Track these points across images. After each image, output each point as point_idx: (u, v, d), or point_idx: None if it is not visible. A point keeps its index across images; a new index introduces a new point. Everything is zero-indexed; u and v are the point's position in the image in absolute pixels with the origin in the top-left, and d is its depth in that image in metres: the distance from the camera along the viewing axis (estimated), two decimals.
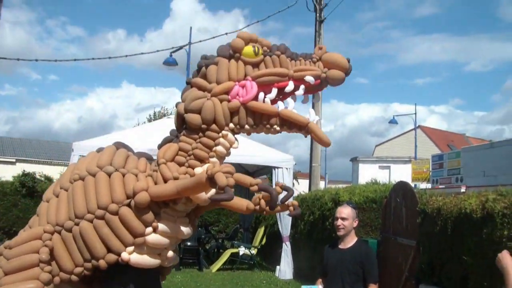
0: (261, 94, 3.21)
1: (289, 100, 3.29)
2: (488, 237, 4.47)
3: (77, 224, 3.13)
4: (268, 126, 3.32)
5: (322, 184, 22.56)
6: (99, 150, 3.58)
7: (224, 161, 3.40)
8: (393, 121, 40.29)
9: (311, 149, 16.71)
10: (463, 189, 14.97)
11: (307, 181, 18.06)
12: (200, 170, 3.17)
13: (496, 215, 4.37)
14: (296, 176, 36.04)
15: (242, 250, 13.54)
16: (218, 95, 3.19)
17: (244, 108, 3.22)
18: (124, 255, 3.14)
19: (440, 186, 21.33)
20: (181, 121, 3.35)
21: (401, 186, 6.64)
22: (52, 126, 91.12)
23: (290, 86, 3.20)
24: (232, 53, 3.24)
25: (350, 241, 4.80)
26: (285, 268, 11.86)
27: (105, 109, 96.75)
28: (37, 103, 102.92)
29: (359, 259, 4.69)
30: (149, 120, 36.83)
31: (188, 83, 3.40)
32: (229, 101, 3.23)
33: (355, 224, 4.82)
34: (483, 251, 4.52)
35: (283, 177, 11.49)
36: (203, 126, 3.21)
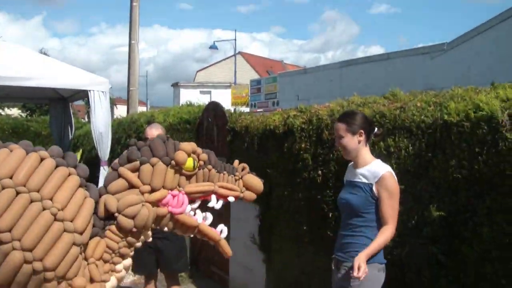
0: (188, 207, 3.18)
1: (209, 215, 3.26)
2: (288, 151, 4.80)
3: None
4: (184, 232, 3.33)
5: (143, 109, 22.38)
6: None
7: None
8: (213, 47, 40.69)
9: (129, 74, 16.43)
10: None
11: (125, 106, 17.84)
12: (121, 266, 3.09)
13: (296, 130, 4.70)
14: (115, 102, 35.33)
15: None
16: (153, 202, 3.08)
17: (170, 216, 3.16)
18: None
19: (258, 110, 22.23)
20: (106, 213, 3.05)
21: (213, 107, 6.84)
22: None
23: (213, 201, 3.24)
24: (173, 164, 3.09)
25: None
26: None
27: None
28: None
29: None
30: None
31: (114, 169, 3.16)
32: (158, 206, 3.13)
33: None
34: (285, 163, 4.88)
35: (100, 101, 11.19)
36: (134, 229, 3.06)
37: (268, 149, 5.21)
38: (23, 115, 29.88)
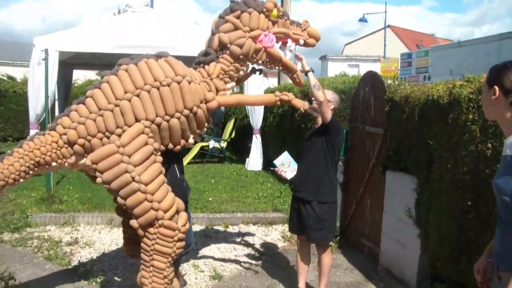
0: (276, 44, 4.51)
1: (287, 52, 4.67)
2: (453, 122, 4.56)
3: (166, 121, 3.88)
4: (273, 65, 4.74)
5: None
6: (147, 58, 4.12)
7: None
8: (362, 19, 39.92)
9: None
10: None
11: (276, 79, 18.03)
12: (230, 85, 4.42)
13: (463, 100, 4.44)
14: (266, 73, 35.95)
15: (212, 144, 13.66)
16: (252, 38, 4.36)
17: (264, 50, 4.47)
18: (190, 140, 4.17)
19: (402, 82, 21.44)
20: (221, 46, 4.37)
21: (370, 76, 6.67)
22: (14, 27, 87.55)
23: (289, 43, 4.64)
24: (265, 10, 4.41)
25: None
26: (255, 160, 12.05)
27: (70, 9, 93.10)
28: None
29: (322, 127, 4.88)
30: (114, 16, 35.72)
31: (222, 17, 4.44)
32: (255, 43, 4.40)
33: (331, 107, 4.89)
34: (449, 135, 4.63)
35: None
36: (241, 56, 4.35)
37: (430, 120, 4.98)
38: None
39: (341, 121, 7.41)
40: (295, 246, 6.86)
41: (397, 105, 5.68)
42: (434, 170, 4.91)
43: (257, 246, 6.85)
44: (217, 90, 4.27)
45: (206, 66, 4.33)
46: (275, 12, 4.42)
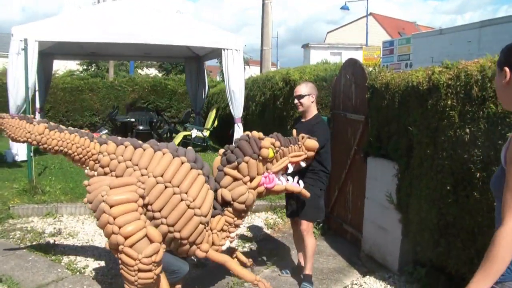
0: (276, 179, 4.61)
1: (290, 178, 4.78)
2: (432, 108, 4.61)
3: None
4: (277, 194, 4.94)
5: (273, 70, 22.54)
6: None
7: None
8: (344, 7, 39.91)
9: (262, 33, 16.56)
10: None
11: (258, 67, 18.04)
12: (234, 234, 4.58)
13: (441, 86, 4.48)
14: (248, 62, 35.87)
15: (194, 133, 13.65)
16: (253, 188, 4.46)
17: (266, 189, 4.57)
18: None
19: (383, 69, 21.50)
20: (223, 200, 4.45)
21: (351, 64, 6.71)
22: None
23: (290, 169, 4.75)
24: (261, 158, 4.44)
25: (310, 115, 5.27)
26: None
27: None
28: None
29: (311, 128, 5.10)
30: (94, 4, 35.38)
31: (220, 170, 4.52)
32: (255, 188, 4.49)
33: (312, 99, 5.23)
34: (428, 121, 4.68)
35: (233, 59, 11.40)
36: (245, 209, 4.49)
37: (410, 106, 5.03)
38: (160, 75, 31.12)
39: (322, 109, 7.45)
40: (279, 233, 6.93)
41: (378, 92, 5.72)
42: (414, 156, 4.97)
43: (241, 234, 6.88)
44: (214, 245, 4.41)
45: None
46: (271, 154, 4.44)
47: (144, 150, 4.16)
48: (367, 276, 5.45)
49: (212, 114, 14.09)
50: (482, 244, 4.06)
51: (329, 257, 5.93)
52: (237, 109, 11.59)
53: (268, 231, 7.11)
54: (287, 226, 7.20)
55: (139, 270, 3.73)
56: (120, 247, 3.69)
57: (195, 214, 4.02)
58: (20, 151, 10.94)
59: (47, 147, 4.71)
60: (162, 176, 3.97)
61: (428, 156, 4.69)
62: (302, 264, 5.53)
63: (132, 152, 4.17)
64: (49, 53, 13.87)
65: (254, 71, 29.16)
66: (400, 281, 5.20)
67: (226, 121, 13.37)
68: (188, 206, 3.98)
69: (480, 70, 4.12)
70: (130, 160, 4.12)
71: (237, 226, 4.55)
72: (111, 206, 3.70)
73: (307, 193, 4.78)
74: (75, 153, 4.57)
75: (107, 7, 12.40)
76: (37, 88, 13.17)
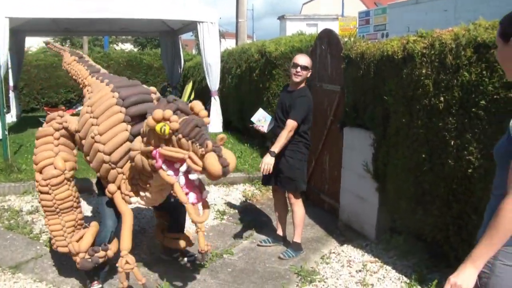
0: (164, 166, 3.60)
1: (181, 177, 3.54)
2: (408, 77, 4.63)
3: None
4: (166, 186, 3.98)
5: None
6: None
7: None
8: None
9: (237, 5, 16.43)
10: None
11: (234, 40, 17.94)
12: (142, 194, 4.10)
13: (416, 55, 4.50)
14: (224, 35, 35.58)
15: None
16: (143, 154, 3.75)
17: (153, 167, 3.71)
18: None
19: (358, 39, 21.50)
20: None
21: (326, 34, 6.69)
22: None
23: (183, 168, 3.48)
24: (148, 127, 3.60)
25: (298, 86, 5.25)
26: (214, 122, 12.03)
27: None
28: None
29: (294, 100, 5.12)
30: None
31: None
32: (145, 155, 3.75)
33: (308, 75, 5.29)
34: (403, 90, 4.71)
35: (209, 32, 11.30)
36: (135, 167, 3.90)
37: (385, 76, 5.04)
38: (135, 50, 30.76)
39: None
40: (257, 204, 6.97)
41: (353, 62, 5.72)
42: (390, 125, 5.00)
43: (219, 206, 6.90)
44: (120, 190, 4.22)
45: None
46: (157, 128, 3.49)
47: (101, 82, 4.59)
48: (345, 245, 5.52)
49: (188, 88, 14.01)
50: (457, 211, 4.14)
51: (307, 227, 5.98)
52: (213, 82, 11.52)
53: (247, 203, 7.14)
54: (265, 198, 7.24)
55: (40, 192, 4.36)
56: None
57: (98, 150, 4.06)
58: None
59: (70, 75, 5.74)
60: (92, 112, 4.19)
61: (403, 125, 4.72)
62: (281, 234, 5.59)
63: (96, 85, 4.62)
64: (21, 30, 13.60)
65: (229, 43, 29.00)
66: (377, 248, 5.28)
67: (202, 94, 13.29)
68: (94, 140, 4.09)
69: (454, 38, 4.13)
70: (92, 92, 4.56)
71: (145, 188, 4.05)
72: (36, 139, 4.53)
73: (191, 210, 3.62)
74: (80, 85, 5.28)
75: None
76: (9, 66, 12.97)
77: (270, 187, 5.84)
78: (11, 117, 13.26)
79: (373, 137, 5.39)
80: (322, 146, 6.71)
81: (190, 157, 3.40)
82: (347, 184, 6.06)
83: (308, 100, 5.20)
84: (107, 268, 4.59)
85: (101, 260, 4.32)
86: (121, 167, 4.12)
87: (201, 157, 3.33)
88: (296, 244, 5.33)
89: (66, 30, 15.93)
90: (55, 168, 4.30)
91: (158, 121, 3.46)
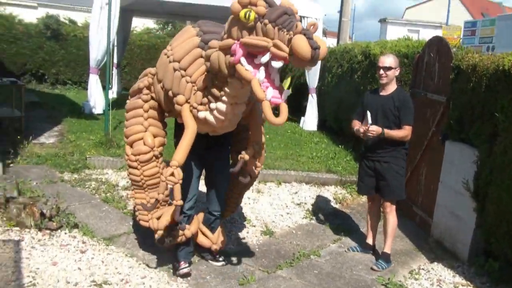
0: (243, 60, 3.34)
1: (262, 71, 3.29)
2: None
3: None
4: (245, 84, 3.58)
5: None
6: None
7: None
8: None
9: (342, 4, 16.28)
10: None
11: (335, 40, 17.79)
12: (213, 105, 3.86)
13: None
14: (326, 32, 35.45)
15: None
16: (221, 49, 3.53)
17: (231, 63, 3.45)
18: None
19: (470, 50, 20.71)
20: None
21: (436, 41, 6.50)
22: None
23: (264, 58, 3.23)
24: (232, 14, 3.36)
25: (391, 89, 5.15)
26: (310, 120, 12.01)
27: None
28: None
29: (397, 103, 5.01)
30: None
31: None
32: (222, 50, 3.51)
33: (397, 73, 5.15)
34: None
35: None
36: (209, 66, 3.70)
37: (498, 91, 4.82)
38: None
39: (401, 86, 7.26)
40: (347, 209, 6.89)
41: (463, 73, 5.53)
42: (498, 143, 4.78)
43: (309, 205, 6.87)
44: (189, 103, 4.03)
45: None
46: (241, 14, 3.22)
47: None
48: (435, 263, 5.34)
49: (287, 82, 13.95)
50: None
51: (396, 239, 5.83)
52: (312, 79, 11.48)
53: (337, 206, 7.06)
54: (356, 202, 7.14)
55: (129, 166, 4.43)
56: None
57: (169, 61, 4.00)
58: (97, 104, 11.23)
59: None
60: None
61: None
62: (370, 242, 5.49)
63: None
64: (129, 9, 14.05)
65: (331, 41, 28.85)
66: (469, 271, 5.08)
67: (300, 90, 13.26)
68: (167, 56, 4.05)
69: None
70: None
71: (217, 98, 3.80)
72: (126, 112, 4.55)
73: (267, 109, 3.32)
74: None
75: None
76: (115, 43, 13.44)
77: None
78: (112, 93, 13.76)
79: (477, 154, 5.17)
80: (421, 157, 6.52)
81: (275, 44, 3.14)
82: (443, 199, 5.87)
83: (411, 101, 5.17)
84: (191, 249, 4.68)
85: (178, 240, 4.39)
86: (190, 76, 3.92)
87: (289, 42, 3.08)
88: (386, 254, 5.22)
89: (171, 13, 16.33)
90: (144, 144, 4.31)
91: (243, 6, 3.22)
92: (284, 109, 3.43)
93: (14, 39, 16.33)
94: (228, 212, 5.07)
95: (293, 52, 3.03)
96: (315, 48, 3.01)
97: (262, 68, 3.28)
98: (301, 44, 2.99)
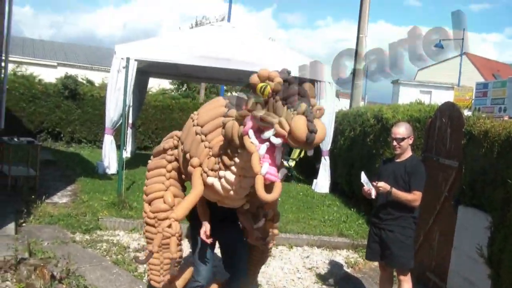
0: (251, 132, 3.34)
1: (263, 147, 3.27)
2: None
3: None
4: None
5: (361, 104, 22.36)
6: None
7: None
8: (438, 45, 39.22)
9: (355, 67, 16.48)
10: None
11: (347, 100, 17.94)
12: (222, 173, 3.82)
13: None
14: (338, 94, 35.79)
15: None
16: (236, 119, 3.52)
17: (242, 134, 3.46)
18: None
19: (482, 115, 20.80)
20: None
21: (448, 107, 6.56)
22: (96, 32, 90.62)
23: (268, 133, 3.22)
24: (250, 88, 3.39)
25: (405, 156, 5.19)
26: (322, 182, 12.01)
27: (150, 16, 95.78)
28: (82, 8, 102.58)
29: (409, 169, 5.03)
30: (191, 28, 36.35)
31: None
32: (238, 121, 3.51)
33: (410, 141, 5.19)
34: None
35: (325, 91, 11.40)
36: (225, 137, 3.68)
37: (510, 157, 4.84)
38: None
39: (413, 150, 7.27)
40: (359, 273, 6.81)
41: (475, 139, 5.56)
42: (511, 210, 4.77)
43: (320, 270, 6.81)
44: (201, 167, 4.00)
45: None
46: (258, 87, 3.28)
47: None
48: None
49: (296, 152, 14.01)
50: None
51: None
52: (325, 141, 11.54)
53: (348, 270, 6.99)
54: (368, 267, 7.06)
55: (146, 223, 4.45)
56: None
57: (193, 125, 4.06)
58: (111, 165, 11.35)
59: None
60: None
61: None
62: None
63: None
64: (145, 71, 14.36)
65: (342, 103, 29.03)
66: None
67: (313, 152, 13.32)
68: (193, 125, 4.08)
69: None
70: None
71: (227, 167, 3.75)
72: (148, 170, 4.62)
73: (259, 183, 3.27)
74: None
75: (203, 31, 12.75)
76: (131, 104, 13.68)
77: None
78: (125, 153, 13.90)
79: (490, 219, 5.15)
80: (433, 222, 6.48)
81: (280, 122, 3.12)
82: (456, 265, 5.80)
83: (424, 169, 5.14)
84: None
85: None
86: (209, 141, 3.92)
87: (291, 120, 3.06)
88: None
89: (186, 75, 16.66)
90: (164, 202, 4.33)
91: (262, 80, 3.26)
92: (278, 187, 3.37)
93: (33, 98, 16.63)
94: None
95: (290, 131, 3.04)
96: (311, 131, 2.99)
97: (265, 144, 3.28)
98: (298, 125, 3.00)
